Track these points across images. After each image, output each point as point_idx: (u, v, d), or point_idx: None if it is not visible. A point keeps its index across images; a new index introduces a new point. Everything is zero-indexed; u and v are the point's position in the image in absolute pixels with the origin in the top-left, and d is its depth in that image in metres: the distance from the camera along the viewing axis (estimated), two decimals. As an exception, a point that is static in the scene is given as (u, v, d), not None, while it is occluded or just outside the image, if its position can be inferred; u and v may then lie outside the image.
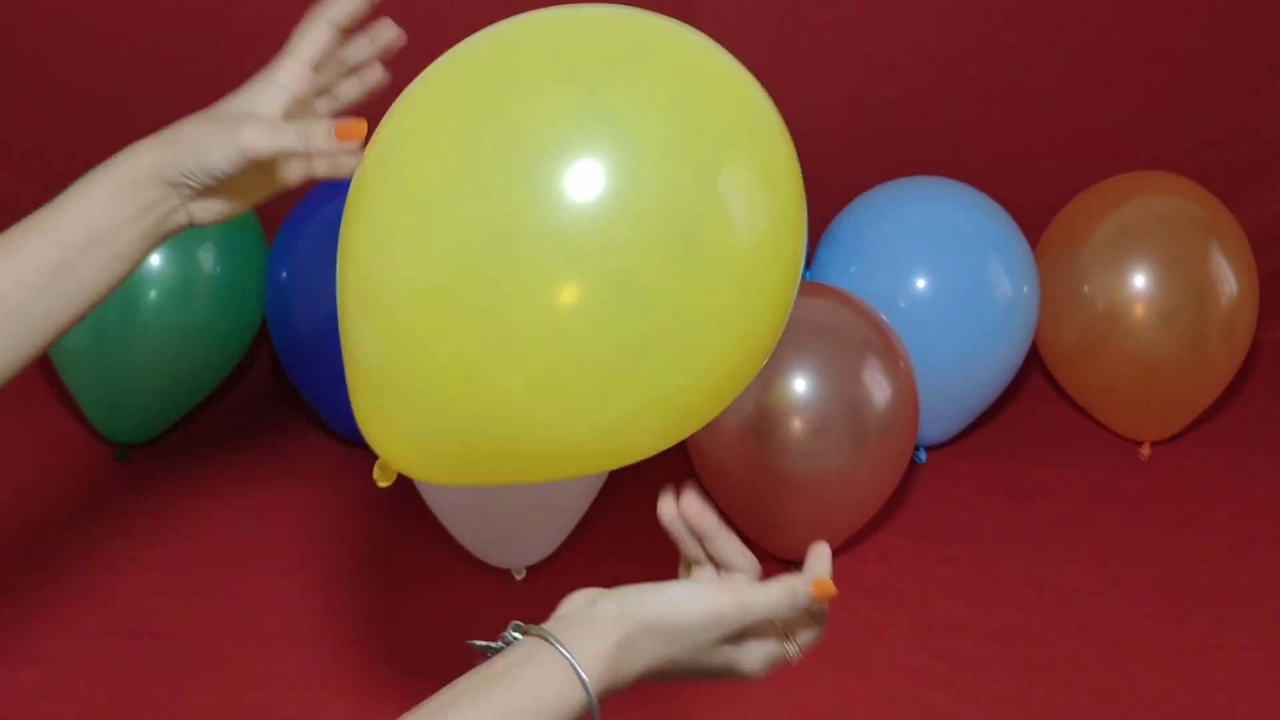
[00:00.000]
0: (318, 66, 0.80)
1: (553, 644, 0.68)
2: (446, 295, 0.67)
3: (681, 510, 0.75)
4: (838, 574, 1.65)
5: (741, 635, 0.73)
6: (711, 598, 0.71)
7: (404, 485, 1.51)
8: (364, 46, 0.82)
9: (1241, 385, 1.89)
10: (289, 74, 0.79)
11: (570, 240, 0.65)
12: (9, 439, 1.76)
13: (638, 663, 0.70)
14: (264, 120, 0.77)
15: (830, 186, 1.81)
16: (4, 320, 0.75)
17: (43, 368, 1.76)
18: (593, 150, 0.66)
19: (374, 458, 0.79)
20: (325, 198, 1.69)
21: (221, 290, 1.68)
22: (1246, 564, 1.56)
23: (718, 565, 0.77)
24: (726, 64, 0.74)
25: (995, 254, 1.67)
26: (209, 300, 1.67)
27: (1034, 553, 1.59)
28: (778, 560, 1.54)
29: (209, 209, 0.79)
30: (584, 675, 0.67)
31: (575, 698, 0.67)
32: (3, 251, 0.76)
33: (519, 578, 1.49)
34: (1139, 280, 1.68)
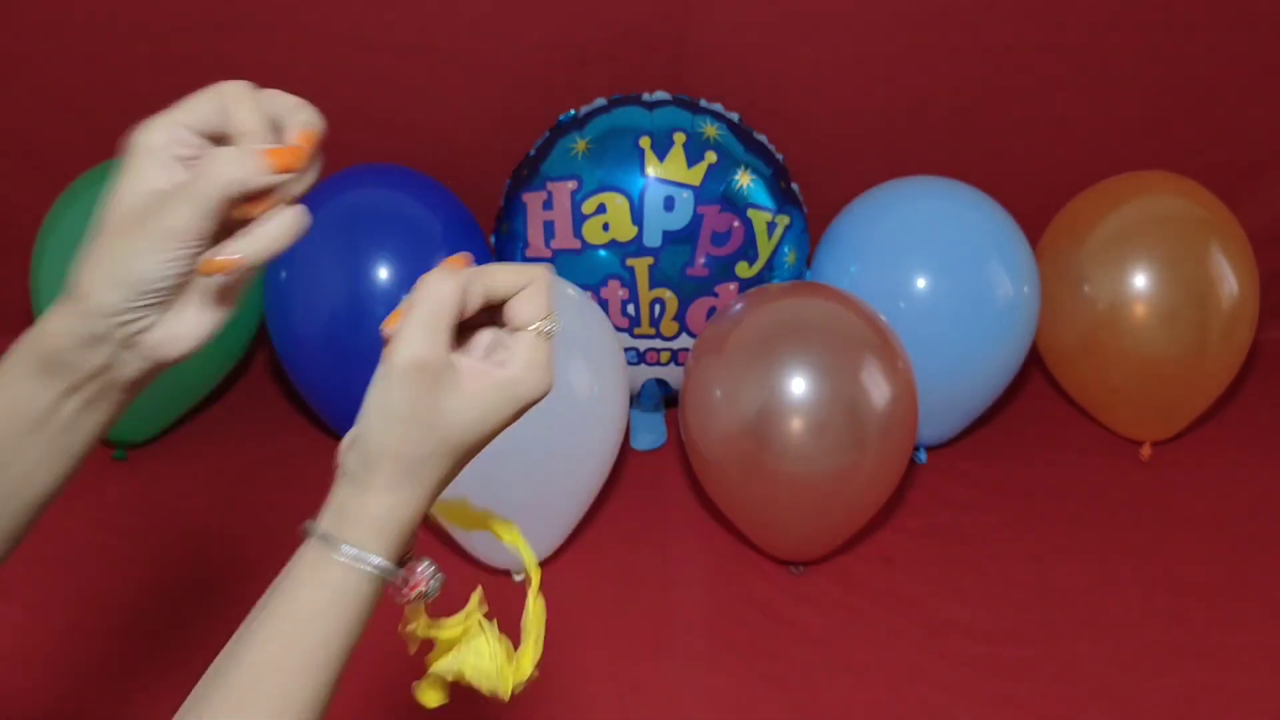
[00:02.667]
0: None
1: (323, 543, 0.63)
2: None
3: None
4: (838, 574, 1.65)
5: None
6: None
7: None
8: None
9: (1241, 385, 1.89)
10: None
11: None
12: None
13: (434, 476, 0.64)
14: (182, 192, 0.60)
15: (830, 186, 1.81)
16: None
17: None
18: None
19: None
20: (325, 197, 1.68)
21: (221, 290, 1.69)
22: (1246, 564, 1.56)
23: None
24: None
25: (995, 254, 1.66)
26: (208, 300, 1.68)
27: (1034, 553, 1.59)
28: (778, 560, 1.54)
29: (172, 338, 0.63)
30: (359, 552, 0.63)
31: (360, 575, 0.62)
32: None
33: (519, 578, 1.49)
34: (1139, 280, 1.68)
